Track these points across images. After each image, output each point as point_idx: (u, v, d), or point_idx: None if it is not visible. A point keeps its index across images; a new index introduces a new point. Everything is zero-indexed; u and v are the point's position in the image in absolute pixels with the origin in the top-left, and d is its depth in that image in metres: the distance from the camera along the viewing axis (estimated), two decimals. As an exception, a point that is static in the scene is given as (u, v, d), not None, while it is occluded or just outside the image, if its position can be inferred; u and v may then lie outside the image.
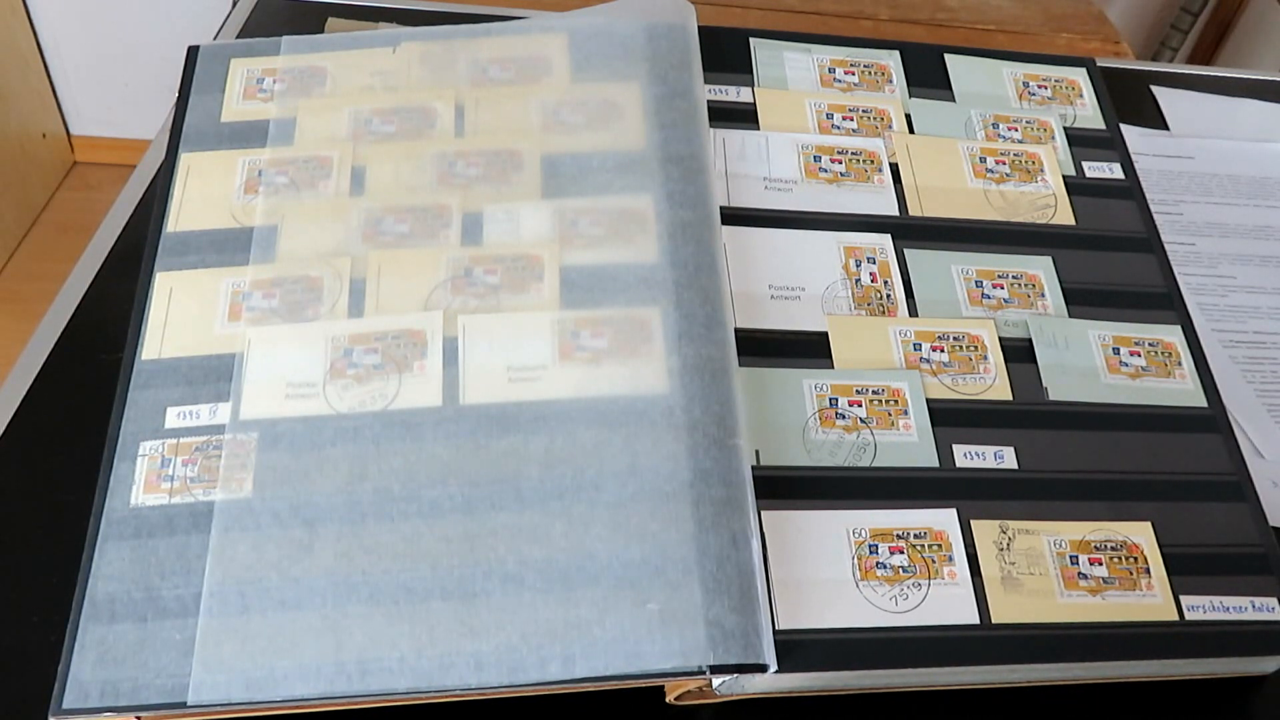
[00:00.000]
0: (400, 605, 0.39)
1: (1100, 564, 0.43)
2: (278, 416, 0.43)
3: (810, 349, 0.47)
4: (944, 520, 0.43)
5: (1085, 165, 0.57)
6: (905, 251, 0.51)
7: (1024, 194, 0.55)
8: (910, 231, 0.52)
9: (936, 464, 0.45)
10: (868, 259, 0.51)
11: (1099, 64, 0.62)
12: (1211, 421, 0.48)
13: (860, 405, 0.46)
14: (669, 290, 0.46)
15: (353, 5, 0.75)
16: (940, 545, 0.43)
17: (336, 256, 0.48)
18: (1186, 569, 0.43)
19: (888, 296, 0.50)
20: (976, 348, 0.48)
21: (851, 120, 0.56)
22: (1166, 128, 0.74)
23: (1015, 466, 0.45)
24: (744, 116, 0.56)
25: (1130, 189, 0.56)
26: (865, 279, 0.50)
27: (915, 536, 0.43)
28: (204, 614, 0.39)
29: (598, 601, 0.39)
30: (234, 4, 0.75)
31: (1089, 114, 0.59)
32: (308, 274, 0.47)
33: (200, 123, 0.53)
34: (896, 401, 0.46)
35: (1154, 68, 0.81)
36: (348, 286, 0.47)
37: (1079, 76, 0.61)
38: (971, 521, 0.43)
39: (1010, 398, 0.47)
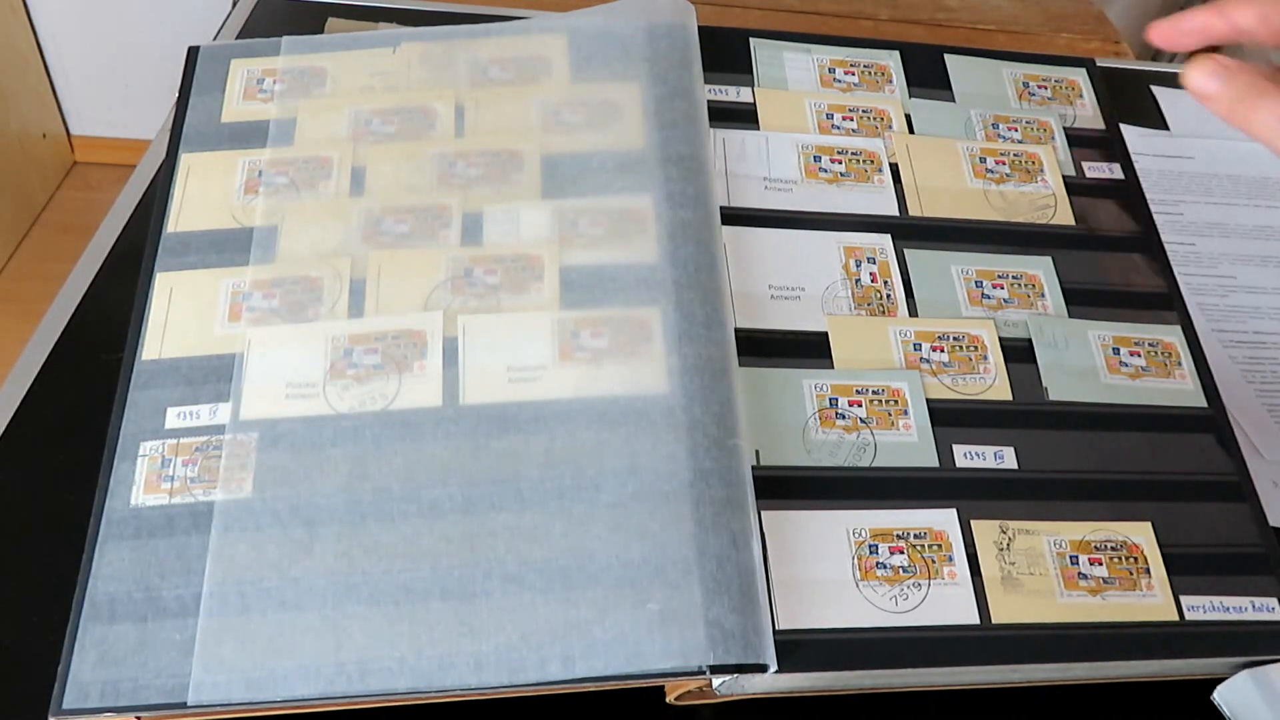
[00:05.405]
0: (400, 605, 0.39)
1: (1100, 564, 0.43)
2: (278, 417, 0.43)
3: (810, 349, 0.47)
4: (944, 520, 0.43)
5: (1085, 165, 0.56)
6: (905, 251, 0.51)
7: (1024, 194, 0.55)
8: (910, 231, 0.52)
9: (936, 464, 0.45)
10: (868, 259, 0.51)
11: (1099, 64, 0.62)
12: (1211, 421, 0.48)
13: (860, 405, 0.46)
14: (669, 290, 0.46)
15: (353, 5, 0.75)
16: (940, 545, 0.43)
17: (336, 256, 0.48)
18: (1186, 569, 0.43)
19: (888, 296, 0.50)
20: (976, 348, 0.48)
21: (851, 120, 0.56)
22: (1166, 128, 0.74)
23: (1015, 466, 0.45)
24: (744, 116, 0.56)
25: (1130, 189, 0.56)
26: (865, 279, 0.50)
27: (915, 536, 0.43)
28: (204, 614, 0.39)
29: (598, 601, 0.39)
30: (234, 4, 0.75)
31: (1089, 114, 0.59)
32: (308, 274, 0.47)
33: (200, 123, 0.53)
34: (896, 401, 0.46)
35: (1154, 68, 0.81)
36: (348, 286, 0.47)
37: (1079, 77, 0.61)
38: (971, 521, 0.43)
39: (1010, 398, 0.47)
